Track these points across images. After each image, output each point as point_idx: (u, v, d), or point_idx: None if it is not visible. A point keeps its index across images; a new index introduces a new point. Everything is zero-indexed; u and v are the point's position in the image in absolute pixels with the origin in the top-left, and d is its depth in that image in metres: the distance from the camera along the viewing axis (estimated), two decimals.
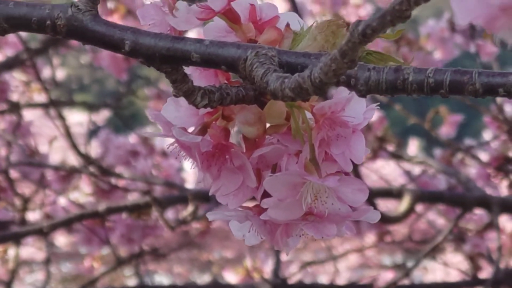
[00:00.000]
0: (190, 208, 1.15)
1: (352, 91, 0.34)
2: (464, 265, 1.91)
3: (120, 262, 1.50)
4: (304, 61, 0.34)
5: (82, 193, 1.64)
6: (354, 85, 0.33)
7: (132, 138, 1.86)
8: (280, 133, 0.36)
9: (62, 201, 1.72)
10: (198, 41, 0.35)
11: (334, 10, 1.72)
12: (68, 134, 1.27)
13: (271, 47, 0.35)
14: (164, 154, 1.74)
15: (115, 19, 1.21)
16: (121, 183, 1.63)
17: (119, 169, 1.64)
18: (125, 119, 2.79)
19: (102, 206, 1.15)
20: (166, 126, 0.36)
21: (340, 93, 0.34)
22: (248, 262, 1.70)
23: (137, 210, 1.21)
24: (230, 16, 0.37)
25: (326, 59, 0.30)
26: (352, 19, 1.90)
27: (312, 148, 0.35)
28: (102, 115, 3.14)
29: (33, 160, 1.54)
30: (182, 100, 0.36)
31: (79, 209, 1.57)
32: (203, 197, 1.17)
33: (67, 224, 1.15)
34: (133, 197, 1.55)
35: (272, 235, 0.37)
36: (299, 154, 0.36)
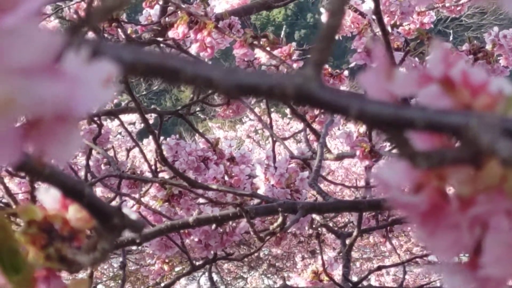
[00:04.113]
0: (279, 219, 1.18)
1: None
2: None
3: (195, 267, 1.53)
4: None
5: (156, 198, 1.68)
6: None
7: (201, 143, 1.89)
8: (494, 193, 0.39)
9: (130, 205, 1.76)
10: (422, 108, 0.37)
11: (403, 20, 1.73)
12: (159, 146, 1.30)
13: (494, 114, 0.37)
14: (233, 160, 1.78)
15: (205, 35, 1.24)
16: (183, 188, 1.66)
17: (189, 175, 1.68)
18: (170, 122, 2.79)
19: (192, 218, 1.18)
20: (384, 185, 0.38)
21: None
22: (318, 265, 1.72)
23: (226, 221, 1.24)
24: (446, 82, 0.39)
25: None
26: (417, 26, 1.91)
27: None
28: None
29: (122, 173, 1.59)
30: (397, 161, 0.39)
31: (154, 215, 1.61)
32: (290, 209, 1.20)
33: (158, 235, 1.18)
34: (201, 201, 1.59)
35: (484, 286, 0.39)
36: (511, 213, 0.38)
